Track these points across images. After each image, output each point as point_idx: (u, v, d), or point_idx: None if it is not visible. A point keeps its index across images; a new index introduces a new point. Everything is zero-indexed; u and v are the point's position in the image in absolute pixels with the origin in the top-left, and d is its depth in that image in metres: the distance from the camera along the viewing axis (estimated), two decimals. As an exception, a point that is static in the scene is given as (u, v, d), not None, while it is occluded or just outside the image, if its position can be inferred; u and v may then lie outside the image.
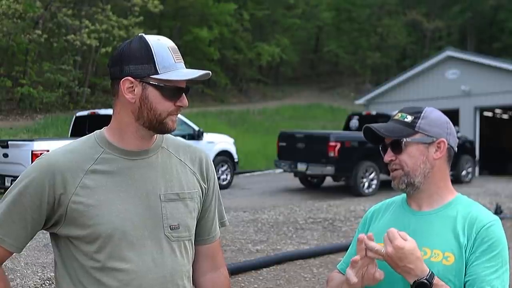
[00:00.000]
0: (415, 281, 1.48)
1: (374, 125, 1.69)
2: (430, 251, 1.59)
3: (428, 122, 1.67)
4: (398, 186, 1.68)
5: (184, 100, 1.56)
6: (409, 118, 1.68)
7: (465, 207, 1.65)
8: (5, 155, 9.37)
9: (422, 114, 1.68)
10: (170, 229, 1.57)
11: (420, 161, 1.65)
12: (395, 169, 1.68)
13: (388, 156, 1.68)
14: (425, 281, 1.47)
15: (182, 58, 1.57)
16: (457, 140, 1.74)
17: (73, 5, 21.86)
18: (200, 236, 1.71)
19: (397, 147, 1.66)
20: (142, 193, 1.55)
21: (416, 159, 1.65)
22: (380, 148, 1.74)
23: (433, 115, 1.69)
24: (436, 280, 1.49)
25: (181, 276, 1.59)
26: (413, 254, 1.47)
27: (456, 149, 1.73)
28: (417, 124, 1.66)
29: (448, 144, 1.68)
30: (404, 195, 1.77)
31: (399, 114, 1.71)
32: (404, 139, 1.65)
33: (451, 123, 1.73)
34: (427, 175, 1.66)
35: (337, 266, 1.89)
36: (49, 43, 21.22)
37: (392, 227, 1.68)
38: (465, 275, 1.56)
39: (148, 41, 1.52)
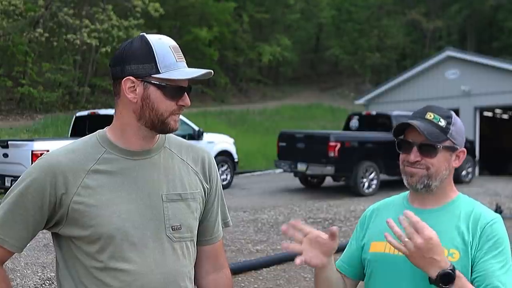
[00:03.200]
0: (439, 272, 1.45)
1: (417, 124, 1.64)
2: None
3: (457, 130, 1.67)
4: (416, 185, 1.66)
5: (186, 100, 1.55)
6: (442, 123, 1.66)
7: (468, 206, 1.68)
8: (5, 155, 9.38)
9: (452, 120, 1.67)
10: (172, 229, 1.56)
11: (444, 167, 1.66)
12: (417, 168, 1.66)
13: (415, 157, 1.65)
14: (450, 271, 1.45)
15: (184, 57, 1.56)
16: None
17: (73, 4, 21.85)
18: (203, 236, 1.70)
19: (430, 151, 1.64)
20: (144, 193, 1.54)
21: (441, 164, 1.66)
22: (398, 141, 1.71)
23: (458, 122, 1.69)
24: (457, 272, 1.48)
25: (183, 277, 1.59)
26: (440, 244, 1.45)
27: None
28: (450, 131, 1.65)
29: None
30: (405, 194, 1.78)
31: (432, 115, 1.67)
32: (440, 146, 1.64)
33: None
34: (443, 180, 1.68)
35: (335, 263, 1.89)
36: (50, 42, 21.20)
37: (395, 225, 1.69)
38: (471, 271, 1.57)
39: (150, 41, 1.51)
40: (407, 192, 1.77)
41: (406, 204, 1.75)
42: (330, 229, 1.60)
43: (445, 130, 1.65)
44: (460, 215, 1.64)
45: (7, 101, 21.06)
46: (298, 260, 1.56)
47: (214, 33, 30.62)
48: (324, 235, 1.60)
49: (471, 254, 1.58)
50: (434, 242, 1.43)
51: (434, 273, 1.46)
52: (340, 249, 1.92)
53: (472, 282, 1.55)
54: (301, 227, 1.60)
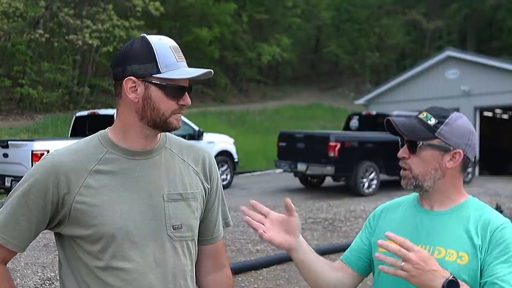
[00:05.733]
0: (444, 281, 1.44)
1: (396, 120, 1.66)
2: (445, 251, 1.59)
3: (450, 130, 1.63)
4: (407, 187, 1.69)
5: (187, 99, 1.56)
6: (432, 121, 1.64)
7: (477, 209, 1.66)
8: (5, 155, 9.37)
9: (446, 120, 1.63)
10: (173, 229, 1.57)
11: (431, 167, 1.64)
12: (404, 169, 1.68)
13: (402, 153, 1.67)
14: (453, 278, 1.45)
15: (184, 57, 1.57)
16: (476, 152, 1.71)
17: (73, 5, 21.84)
18: (203, 236, 1.72)
19: (413, 148, 1.65)
20: (145, 193, 1.55)
21: (428, 164, 1.64)
22: (400, 141, 1.73)
23: (457, 123, 1.64)
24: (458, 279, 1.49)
25: (184, 276, 1.60)
26: (431, 256, 1.46)
27: (473, 159, 1.69)
28: (438, 130, 1.62)
29: (465, 155, 1.65)
30: (415, 194, 1.77)
31: (424, 114, 1.67)
32: (421, 142, 1.63)
33: (474, 133, 1.68)
34: (437, 181, 1.65)
35: (341, 257, 1.89)
36: (50, 43, 21.20)
37: (404, 225, 1.70)
38: (481, 275, 1.56)
39: (150, 41, 1.52)
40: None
41: (417, 204, 1.74)
42: (284, 200, 1.65)
43: (432, 128, 1.62)
44: (469, 219, 1.63)
45: (7, 101, 21.06)
46: (260, 231, 1.60)
47: (214, 33, 30.63)
48: (283, 215, 1.64)
49: (480, 258, 1.57)
50: (425, 253, 1.45)
51: (439, 284, 1.44)
52: (342, 249, 1.92)
53: (481, 287, 1.55)
54: (260, 207, 1.64)
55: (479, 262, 1.57)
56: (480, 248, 1.58)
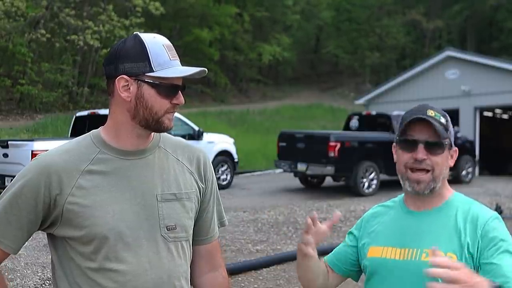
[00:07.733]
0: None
1: (431, 120, 1.59)
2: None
3: (451, 129, 1.65)
4: (424, 191, 1.62)
5: (180, 98, 1.54)
6: (443, 120, 1.61)
7: (464, 205, 1.64)
8: (5, 155, 9.37)
9: (448, 118, 1.64)
10: (167, 229, 1.55)
11: (446, 165, 1.63)
12: (424, 170, 1.60)
13: (423, 154, 1.60)
14: (499, 284, 1.41)
15: (178, 56, 1.55)
16: None
17: (74, 5, 21.85)
18: (198, 236, 1.69)
19: (437, 148, 1.60)
20: (138, 193, 1.53)
21: (445, 164, 1.63)
22: (401, 140, 1.64)
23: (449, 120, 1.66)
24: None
25: (178, 277, 1.58)
26: (470, 270, 1.33)
27: None
28: (449, 129, 1.63)
29: None
30: (402, 196, 1.75)
31: (433, 112, 1.62)
32: (444, 142, 1.61)
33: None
34: (442, 181, 1.64)
35: (325, 258, 1.89)
36: (50, 43, 21.21)
37: (392, 229, 1.68)
38: (478, 271, 1.54)
39: (143, 39, 1.50)
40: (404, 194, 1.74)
41: (403, 206, 1.72)
42: (335, 214, 1.64)
43: (446, 128, 1.62)
44: (457, 215, 1.61)
45: (7, 101, 21.07)
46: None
47: (215, 35, 30.63)
48: (325, 227, 1.66)
49: (473, 255, 1.55)
50: (467, 268, 1.27)
51: None
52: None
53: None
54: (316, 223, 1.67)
55: (470, 261, 1.54)
56: (469, 246, 1.55)
